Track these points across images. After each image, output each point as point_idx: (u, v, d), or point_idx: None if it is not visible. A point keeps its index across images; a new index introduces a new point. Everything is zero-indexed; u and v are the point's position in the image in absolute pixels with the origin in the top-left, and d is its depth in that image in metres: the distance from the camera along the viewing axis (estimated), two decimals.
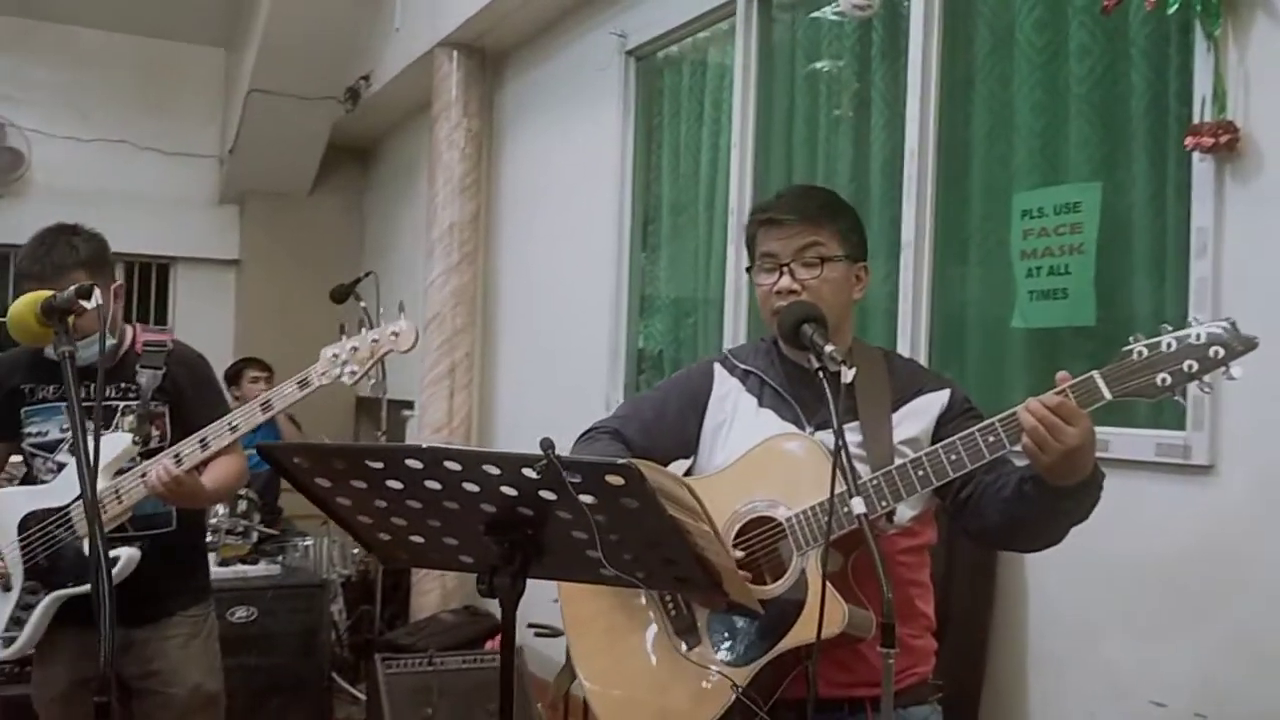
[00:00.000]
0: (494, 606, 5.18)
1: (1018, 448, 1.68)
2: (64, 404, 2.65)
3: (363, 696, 4.70)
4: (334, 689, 4.87)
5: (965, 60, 3.18)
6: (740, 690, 1.83)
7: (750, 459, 1.96)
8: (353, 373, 2.47)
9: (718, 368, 2.13)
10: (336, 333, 2.54)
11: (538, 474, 1.43)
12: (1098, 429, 2.48)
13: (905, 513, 1.92)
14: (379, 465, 1.55)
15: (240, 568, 4.59)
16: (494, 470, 1.48)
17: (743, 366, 2.10)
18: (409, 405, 6.18)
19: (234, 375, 6.04)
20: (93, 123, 7.59)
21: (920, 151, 3.18)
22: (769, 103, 3.95)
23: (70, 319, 1.71)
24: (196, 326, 7.95)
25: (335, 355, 2.50)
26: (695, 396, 2.12)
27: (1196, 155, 2.40)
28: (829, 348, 1.78)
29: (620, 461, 1.39)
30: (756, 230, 2.04)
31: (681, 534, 1.49)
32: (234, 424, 2.54)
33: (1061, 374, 1.66)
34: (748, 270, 2.07)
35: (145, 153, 7.73)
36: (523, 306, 5.64)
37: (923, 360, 3.11)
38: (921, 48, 3.21)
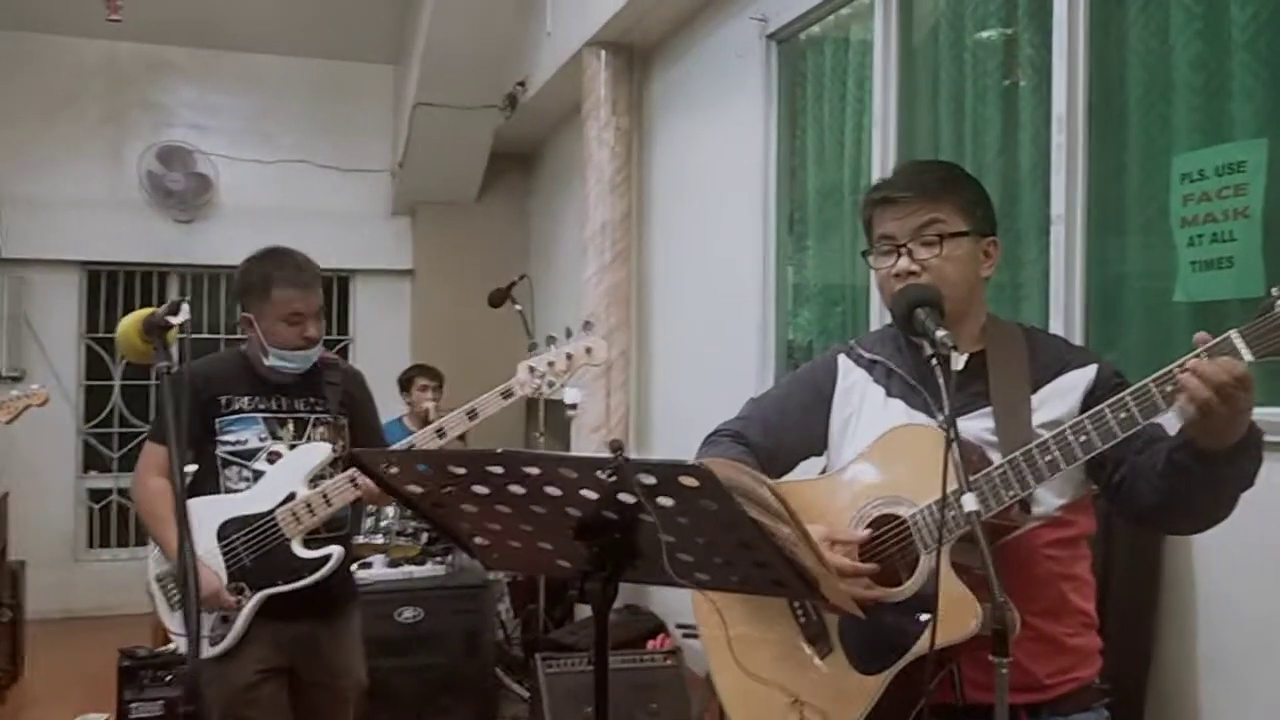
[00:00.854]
0: (655, 607, 5.21)
1: (1155, 420, 1.56)
2: (260, 414, 2.85)
3: (528, 695, 4.77)
4: (501, 688, 4.95)
5: (1117, 15, 2.96)
6: None
7: (876, 451, 1.87)
8: (550, 383, 2.74)
9: (842, 359, 2.03)
10: (513, 342, 2.74)
11: (610, 476, 1.39)
12: (1268, 410, 2.30)
13: (1052, 501, 1.79)
14: (462, 470, 1.53)
15: (408, 568, 4.72)
16: (571, 474, 1.44)
17: (869, 356, 1.99)
18: (573, 405, 6.23)
19: (406, 382, 6.22)
20: (274, 145, 8.00)
21: (1070, 117, 2.98)
22: (912, 77, 3.79)
23: (169, 334, 1.79)
24: (376, 335, 8.32)
25: (533, 369, 2.75)
26: (820, 390, 2.03)
27: None
28: (940, 333, 1.66)
29: (690, 462, 1.33)
30: (872, 211, 1.93)
31: (765, 536, 1.41)
32: (441, 429, 2.74)
33: (1200, 335, 1.50)
34: (863, 255, 1.96)
35: (323, 170, 8.09)
36: (675, 302, 5.61)
37: (1078, 340, 2.91)
38: (1068, 5, 3.01)
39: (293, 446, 2.85)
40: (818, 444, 2.03)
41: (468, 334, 7.28)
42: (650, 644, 4.87)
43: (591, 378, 5.66)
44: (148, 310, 1.85)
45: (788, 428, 2.03)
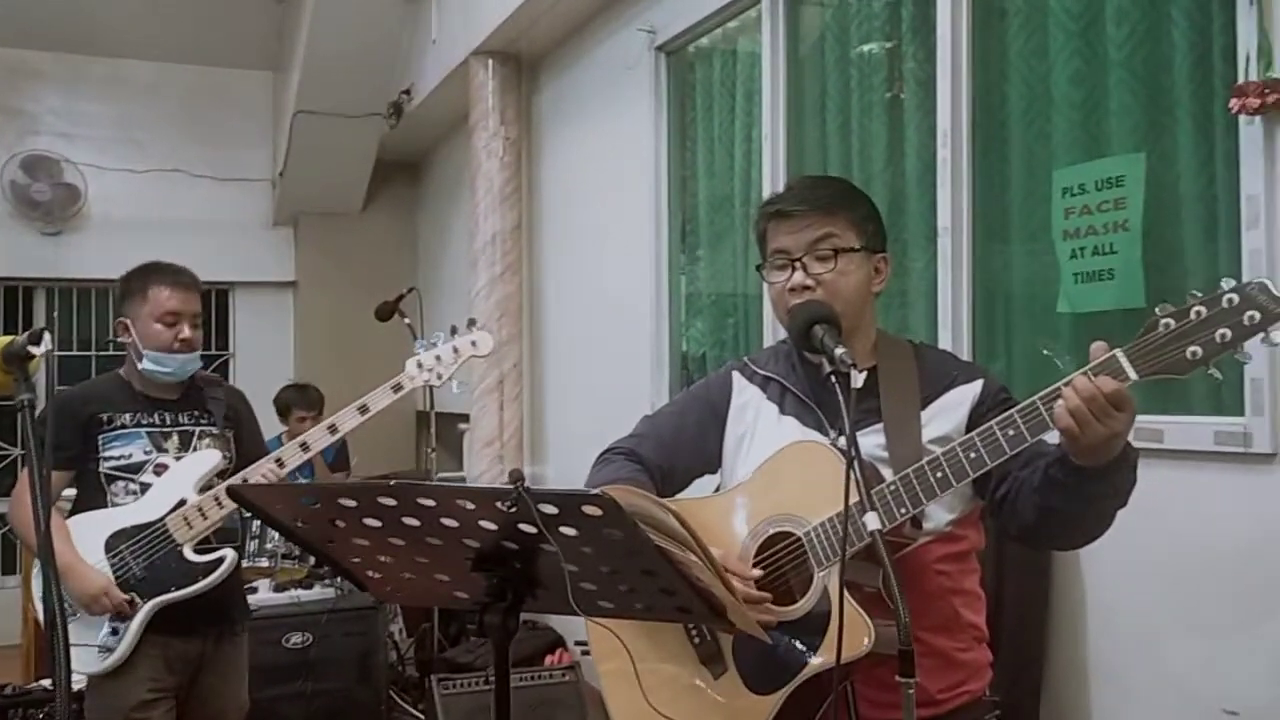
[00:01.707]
0: (554, 622, 5.14)
1: (1044, 435, 1.57)
2: (144, 429, 2.86)
3: (423, 718, 4.66)
4: (394, 711, 4.83)
5: (999, 33, 3.01)
6: None
7: (769, 469, 1.86)
8: (439, 376, 2.87)
9: (736, 376, 2.02)
10: (401, 356, 2.92)
11: (510, 507, 1.34)
12: (1152, 418, 2.37)
13: (942, 517, 1.80)
14: (352, 504, 1.47)
15: (295, 593, 4.57)
16: (469, 505, 1.39)
17: (763, 373, 1.99)
18: (464, 419, 6.14)
19: (283, 409, 5.90)
20: (146, 153, 7.69)
21: (954, 132, 3.02)
22: (800, 90, 3.82)
23: (30, 364, 1.69)
24: (257, 349, 8.08)
25: (421, 364, 2.88)
26: (714, 408, 2.02)
27: (1243, 118, 2.22)
28: (839, 350, 1.66)
29: (593, 491, 1.29)
30: (767, 224, 1.92)
31: (672, 564, 1.38)
32: (334, 425, 2.83)
33: (1096, 345, 1.52)
34: (758, 269, 1.95)
35: (199, 180, 7.81)
36: (568, 314, 5.56)
37: (965, 351, 2.96)
38: (950, 22, 3.05)
39: (179, 459, 2.86)
40: (712, 462, 2.02)
41: (353, 348, 7.07)
42: (548, 659, 4.81)
43: (483, 391, 5.58)
44: (6, 339, 1.75)
45: (682, 446, 2.02)
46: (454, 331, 2.92)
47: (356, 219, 8.20)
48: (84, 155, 7.48)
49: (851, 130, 3.55)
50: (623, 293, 4.85)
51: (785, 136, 3.81)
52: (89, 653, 2.72)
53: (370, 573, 1.65)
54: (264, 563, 4.97)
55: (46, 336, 1.67)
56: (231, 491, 1.55)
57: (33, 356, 1.64)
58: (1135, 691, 2.49)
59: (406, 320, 5.17)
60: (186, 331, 2.87)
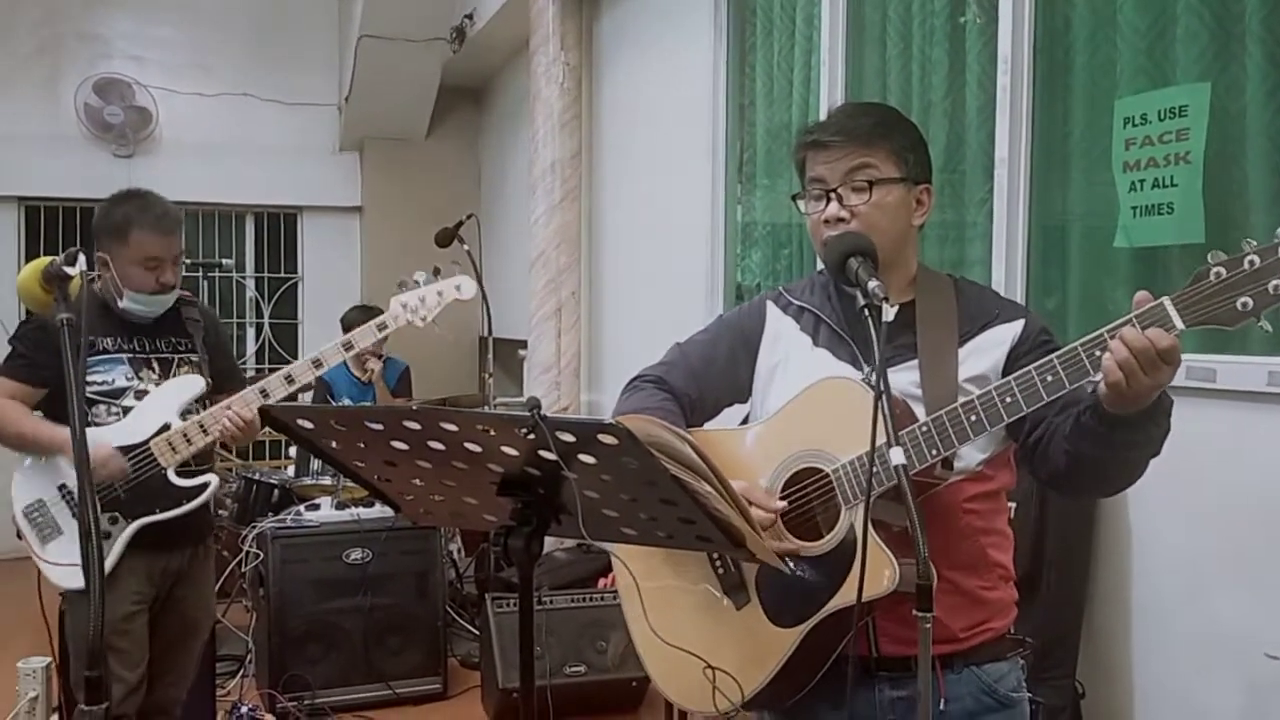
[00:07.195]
0: (609, 544, 5.21)
1: (1089, 380, 1.52)
2: (125, 354, 2.87)
3: (479, 634, 4.78)
4: (451, 627, 4.95)
5: None
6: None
7: (799, 404, 1.83)
8: (423, 319, 2.95)
9: (770, 306, 1.99)
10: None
11: (528, 434, 1.35)
12: (1204, 357, 2.31)
13: (974, 456, 1.77)
14: (379, 427, 1.50)
15: (355, 510, 4.68)
16: (490, 431, 1.41)
17: (798, 303, 1.95)
18: (524, 344, 6.19)
19: (348, 329, 6.00)
20: (215, 78, 7.78)
21: (1015, 58, 2.93)
22: (860, 15, 3.72)
23: (70, 284, 1.73)
24: (325, 273, 8.19)
25: (405, 304, 2.95)
26: (747, 337, 1.98)
27: None
28: (873, 283, 1.62)
29: (609, 421, 1.30)
30: (805, 154, 1.89)
31: (690, 494, 1.39)
32: (316, 359, 2.90)
33: (1140, 295, 1.47)
34: (794, 198, 1.92)
35: (267, 104, 7.89)
36: (626, 242, 5.53)
37: (1019, 285, 2.90)
38: None
39: (158, 385, 2.89)
40: (742, 392, 1.99)
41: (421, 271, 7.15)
42: (601, 582, 4.88)
43: (541, 318, 5.62)
44: (46, 259, 1.79)
45: (713, 375, 1.99)
46: (437, 273, 2.99)
47: (421, 145, 8.24)
48: (155, 79, 7.60)
49: (912, 57, 3.46)
50: (680, 222, 4.82)
51: (845, 64, 3.73)
52: (75, 570, 2.71)
53: (403, 494, 1.68)
54: (326, 480, 5.10)
55: (81, 257, 1.71)
56: (263, 412, 1.58)
57: (71, 276, 1.68)
58: (1177, 633, 2.46)
59: (466, 247, 5.18)
60: (168, 276, 2.86)
